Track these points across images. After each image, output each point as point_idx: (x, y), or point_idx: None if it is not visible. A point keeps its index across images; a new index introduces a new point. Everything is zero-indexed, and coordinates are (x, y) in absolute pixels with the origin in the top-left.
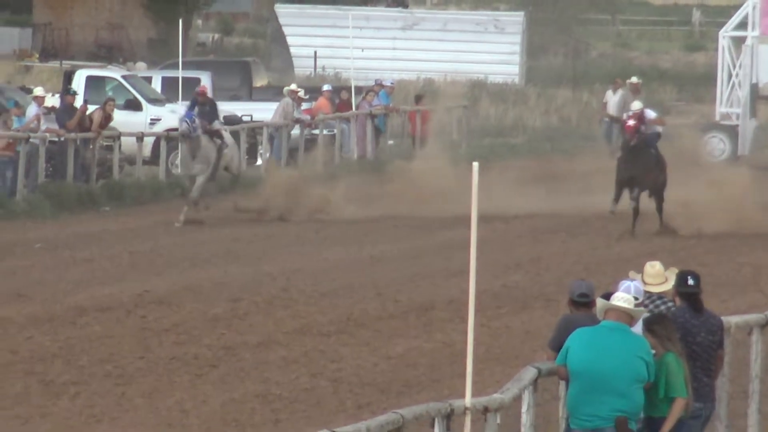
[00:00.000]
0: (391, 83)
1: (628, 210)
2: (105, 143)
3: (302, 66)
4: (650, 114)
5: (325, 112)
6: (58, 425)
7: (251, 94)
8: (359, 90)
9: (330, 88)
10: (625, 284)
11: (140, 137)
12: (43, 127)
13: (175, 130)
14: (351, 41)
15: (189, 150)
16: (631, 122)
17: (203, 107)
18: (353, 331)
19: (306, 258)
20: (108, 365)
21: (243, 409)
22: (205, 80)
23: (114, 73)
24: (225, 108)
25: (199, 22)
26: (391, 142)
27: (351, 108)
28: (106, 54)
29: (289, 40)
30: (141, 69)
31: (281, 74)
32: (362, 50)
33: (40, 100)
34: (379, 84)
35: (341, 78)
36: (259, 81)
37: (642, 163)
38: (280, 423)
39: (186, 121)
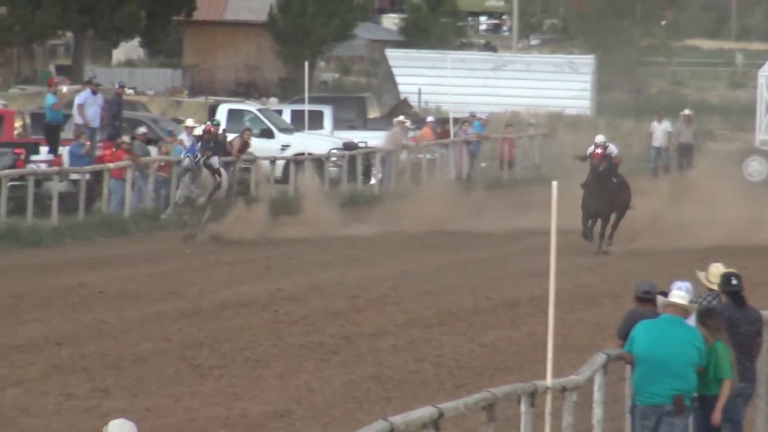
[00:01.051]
0: (486, 115)
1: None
2: (243, 166)
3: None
4: (612, 150)
5: (428, 139)
6: (205, 402)
7: (366, 124)
8: (456, 121)
9: (432, 119)
10: (677, 284)
11: (272, 161)
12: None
13: (302, 154)
14: (449, 80)
15: (190, 177)
16: (598, 150)
17: (207, 144)
18: (452, 323)
19: (412, 262)
20: (246, 352)
21: (360, 389)
22: (327, 113)
23: (251, 106)
24: (343, 136)
25: (322, 64)
26: (483, 164)
27: (450, 136)
28: (244, 91)
29: (398, 79)
30: (273, 103)
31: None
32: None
33: (189, 129)
34: (473, 116)
35: (441, 111)
36: (373, 113)
37: (607, 192)
38: (391, 400)
39: (189, 157)
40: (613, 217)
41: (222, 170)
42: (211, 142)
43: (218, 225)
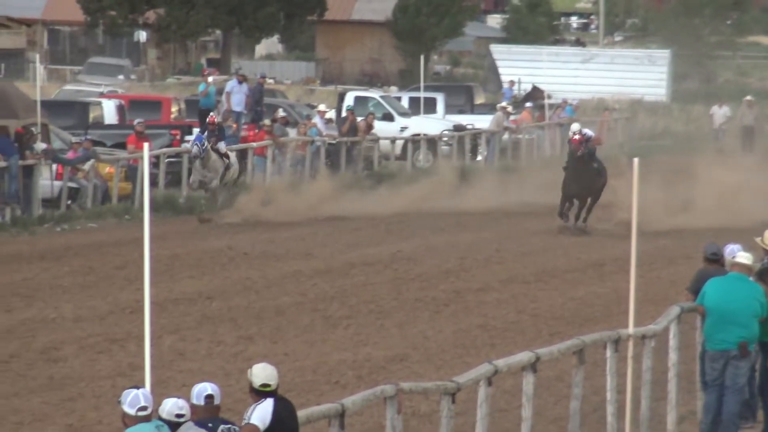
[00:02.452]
0: (576, 102)
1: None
2: (368, 145)
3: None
4: (589, 133)
5: (526, 122)
6: (335, 348)
7: (473, 109)
8: (551, 106)
9: (530, 105)
10: (730, 247)
11: (393, 140)
12: (324, 133)
13: (418, 135)
14: (545, 71)
15: (201, 163)
16: (576, 137)
17: (212, 132)
18: (547, 279)
19: (513, 227)
20: (370, 304)
21: (468, 336)
22: (440, 99)
23: (374, 94)
24: (454, 119)
25: (435, 57)
26: None
27: (545, 119)
28: (368, 80)
29: (501, 70)
30: (393, 91)
31: (494, 95)
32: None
33: (322, 113)
34: (565, 102)
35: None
36: (479, 100)
37: (586, 176)
38: (495, 346)
39: (197, 144)
40: (589, 201)
41: (230, 153)
42: (216, 131)
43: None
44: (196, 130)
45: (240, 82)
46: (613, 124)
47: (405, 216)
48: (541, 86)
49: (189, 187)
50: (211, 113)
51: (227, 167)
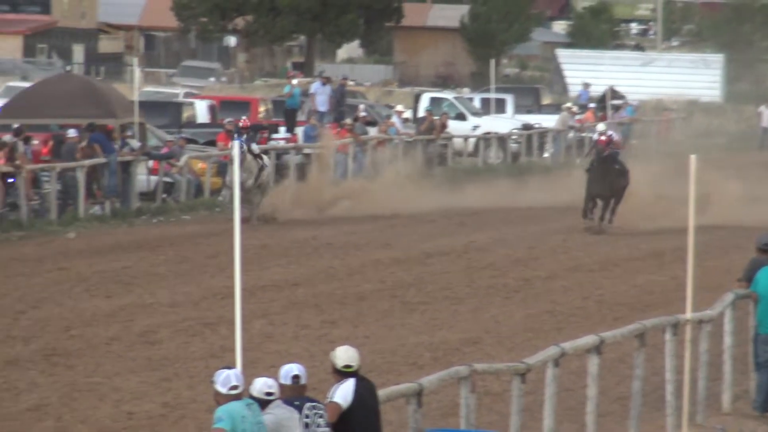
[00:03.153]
0: (636, 102)
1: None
2: (441, 143)
3: (574, 90)
4: (615, 136)
5: (590, 121)
6: (412, 331)
7: (540, 109)
8: (613, 106)
9: (593, 105)
10: None
11: (465, 138)
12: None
13: (489, 133)
14: (607, 74)
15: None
16: (603, 137)
17: (248, 134)
18: (611, 268)
19: (579, 219)
20: (445, 291)
21: (536, 321)
22: (509, 100)
23: (448, 95)
24: (522, 118)
25: (505, 61)
26: (633, 141)
27: (607, 119)
28: (443, 82)
29: (566, 73)
30: (466, 92)
31: (560, 96)
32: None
33: (399, 113)
34: (626, 102)
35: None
36: (545, 100)
37: (609, 176)
38: (561, 330)
39: (241, 143)
40: (612, 201)
41: (264, 156)
42: (249, 133)
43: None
44: (282, 129)
45: (323, 84)
46: (671, 123)
47: (477, 210)
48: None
49: (227, 187)
50: (243, 117)
51: (261, 168)
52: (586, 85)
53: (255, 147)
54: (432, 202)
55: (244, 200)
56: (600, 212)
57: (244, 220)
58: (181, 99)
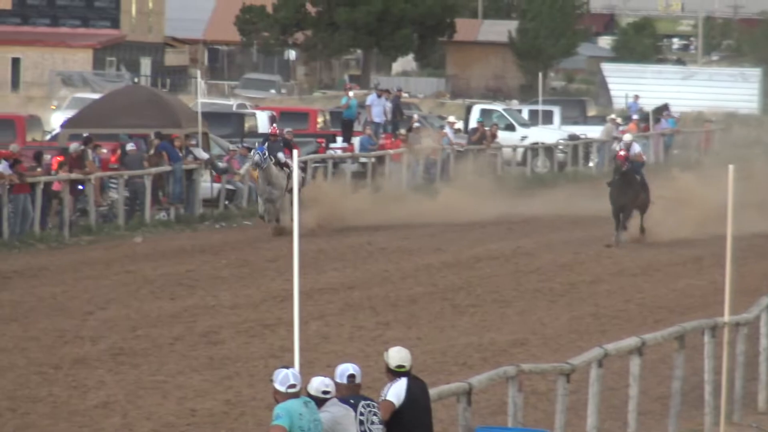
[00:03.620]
0: (677, 114)
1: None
2: (491, 152)
3: (618, 103)
4: (636, 148)
5: (633, 132)
6: (462, 333)
7: (586, 120)
8: (656, 118)
9: (636, 117)
10: None
11: (514, 148)
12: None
13: (536, 143)
14: (650, 87)
15: (265, 179)
16: (622, 153)
17: (274, 144)
18: (652, 273)
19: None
20: (494, 294)
21: (581, 323)
22: (556, 112)
23: (498, 106)
24: (568, 129)
25: (552, 74)
26: (675, 152)
27: (650, 130)
28: (493, 94)
29: (610, 86)
30: (515, 104)
31: (604, 108)
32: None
33: (451, 124)
34: (668, 114)
35: (642, 110)
36: (591, 112)
37: (631, 189)
38: (605, 332)
39: (259, 153)
40: (636, 213)
41: (289, 162)
42: (280, 142)
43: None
44: (339, 139)
45: (379, 96)
46: (711, 134)
47: (525, 217)
48: (647, 100)
49: (261, 206)
50: (274, 124)
51: (289, 176)
52: (636, 97)
53: (280, 156)
54: (481, 209)
55: (273, 211)
56: (622, 223)
57: (279, 232)
58: (234, 110)
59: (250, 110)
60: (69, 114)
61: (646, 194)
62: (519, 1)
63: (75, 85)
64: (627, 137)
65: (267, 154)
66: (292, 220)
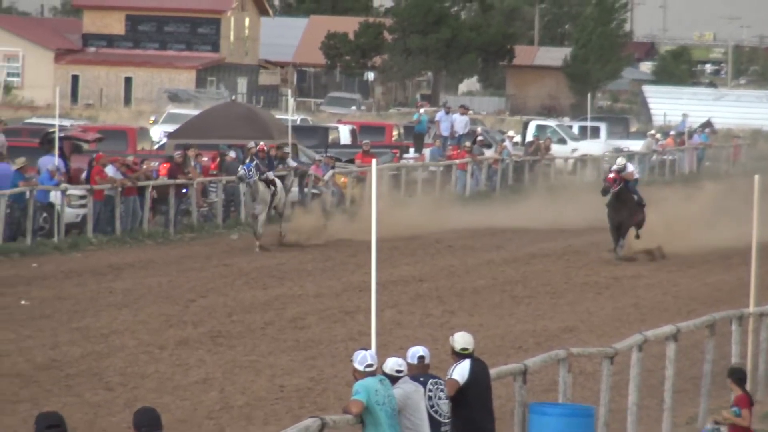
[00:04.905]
0: (708, 129)
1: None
2: (545, 162)
3: (657, 120)
4: (629, 168)
5: (670, 146)
6: (519, 320)
7: (629, 135)
8: (689, 133)
9: (674, 132)
10: None
11: (565, 159)
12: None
13: (585, 155)
14: (685, 106)
15: (250, 195)
16: (611, 175)
17: (262, 161)
18: (686, 269)
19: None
20: (547, 287)
21: (623, 313)
22: (603, 128)
23: (552, 122)
24: (613, 143)
25: (599, 94)
26: (707, 164)
27: (685, 144)
28: (547, 112)
29: (651, 105)
30: (566, 121)
31: (645, 125)
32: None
33: (510, 138)
34: (711, 129)
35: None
36: (633, 128)
37: (626, 209)
38: (644, 321)
39: (244, 169)
40: (634, 230)
41: (276, 180)
42: (266, 160)
43: None
44: (411, 150)
45: (446, 113)
46: (739, 148)
47: (576, 216)
48: (682, 117)
49: (251, 218)
50: (262, 142)
51: (273, 194)
52: (685, 116)
53: (269, 174)
54: (536, 213)
55: (253, 226)
56: (621, 241)
57: (265, 249)
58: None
59: (334, 124)
60: (165, 127)
61: (641, 212)
62: (571, 31)
63: (180, 101)
64: (620, 161)
65: (254, 170)
66: (282, 234)
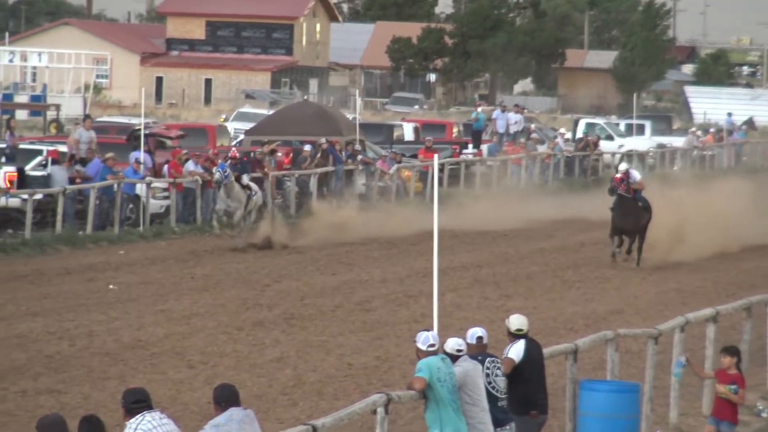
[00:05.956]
0: (745, 127)
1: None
2: (594, 158)
3: (698, 119)
4: (635, 176)
5: (710, 142)
6: (570, 304)
7: (671, 132)
8: (728, 131)
9: (713, 129)
10: None
11: (612, 154)
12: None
13: (631, 151)
14: (724, 105)
15: (225, 192)
16: (618, 175)
17: (234, 166)
18: (725, 257)
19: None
20: (596, 273)
21: (666, 297)
22: (647, 125)
23: (600, 120)
24: (657, 139)
25: (644, 94)
26: (744, 158)
27: (724, 140)
28: (596, 110)
29: (692, 105)
30: (614, 119)
31: (687, 122)
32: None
33: (562, 135)
34: (739, 127)
35: (717, 124)
36: (675, 126)
37: (632, 216)
38: (686, 304)
39: (219, 171)
40: (637, 238)
41: (252, 185)
42: (238, 164)
43: None
44: (470, 146)
45: (502, 111)
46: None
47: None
48: (721, 116)
49: (215, 214)
50: (233, 147)
51: (249, 197)
52: (730, 114)
53: (244, 178)
54: (587, 204)
55: (233, 227)
56: (627, 246)
57: (236, 249)
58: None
59: (399, 122)
60: (236, 125)
61: (648, 217)
62: (618, 35)
63: (256, 100)
64: (622, 166)
65: (229, 171)
66: (246, 234)
